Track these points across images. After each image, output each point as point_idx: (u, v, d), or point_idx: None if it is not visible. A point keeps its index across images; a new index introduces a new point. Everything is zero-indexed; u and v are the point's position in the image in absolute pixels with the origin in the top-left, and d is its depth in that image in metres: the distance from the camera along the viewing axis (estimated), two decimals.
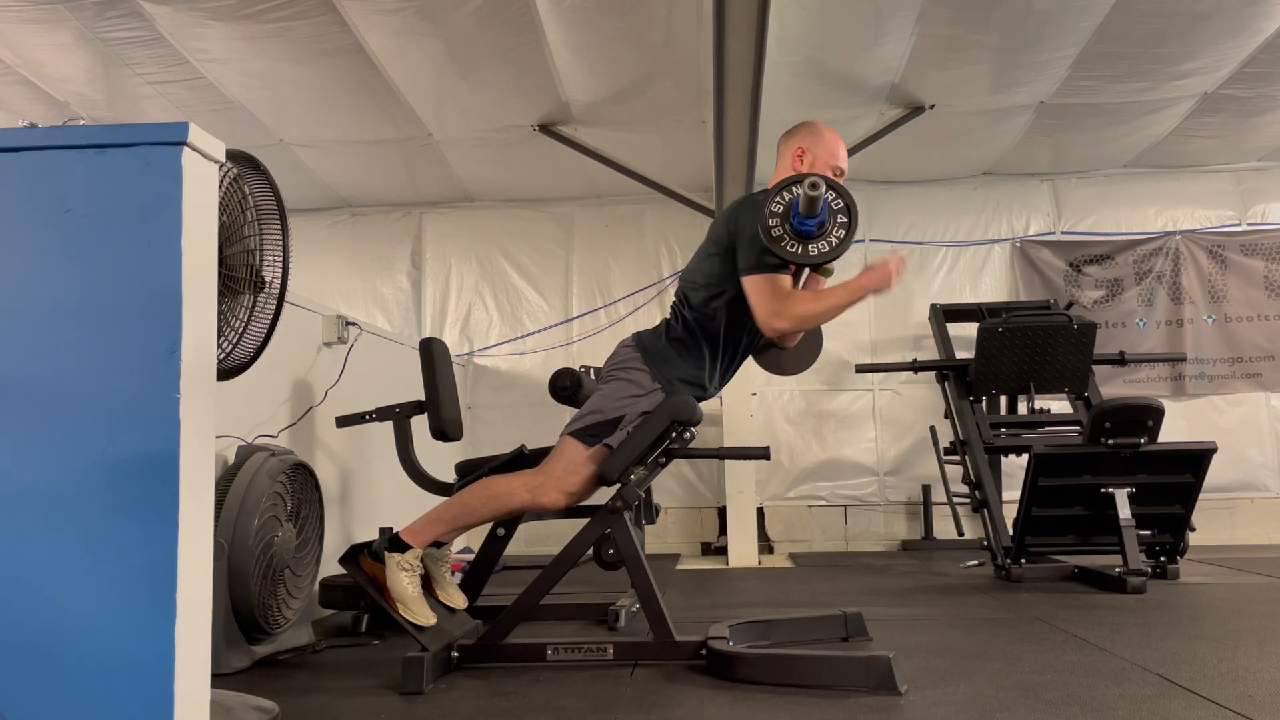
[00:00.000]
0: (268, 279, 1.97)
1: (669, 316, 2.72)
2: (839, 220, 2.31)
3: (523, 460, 3.17)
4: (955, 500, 4.67)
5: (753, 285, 2.50)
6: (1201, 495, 4.01)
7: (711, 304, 2.61)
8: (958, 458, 4.79)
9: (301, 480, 2.87)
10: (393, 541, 2.53)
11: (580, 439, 2.57)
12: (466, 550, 5.09)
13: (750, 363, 2.91)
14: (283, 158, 5.50)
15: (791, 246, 2.31)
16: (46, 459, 1.43)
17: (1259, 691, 2.10)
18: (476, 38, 4.23)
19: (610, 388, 2.62)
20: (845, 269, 6.52)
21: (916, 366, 5.39)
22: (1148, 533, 4.08)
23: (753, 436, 5.44)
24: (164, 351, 1.44)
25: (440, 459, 4.18)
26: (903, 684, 2.18)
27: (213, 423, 1.54)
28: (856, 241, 6.08)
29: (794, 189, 2.32)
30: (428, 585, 2.60)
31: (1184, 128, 5.47)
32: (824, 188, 2.24)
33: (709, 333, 2.62)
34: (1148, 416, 3.83)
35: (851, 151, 5.38)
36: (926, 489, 5.85)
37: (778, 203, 2.33)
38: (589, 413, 2.60)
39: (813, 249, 2.31)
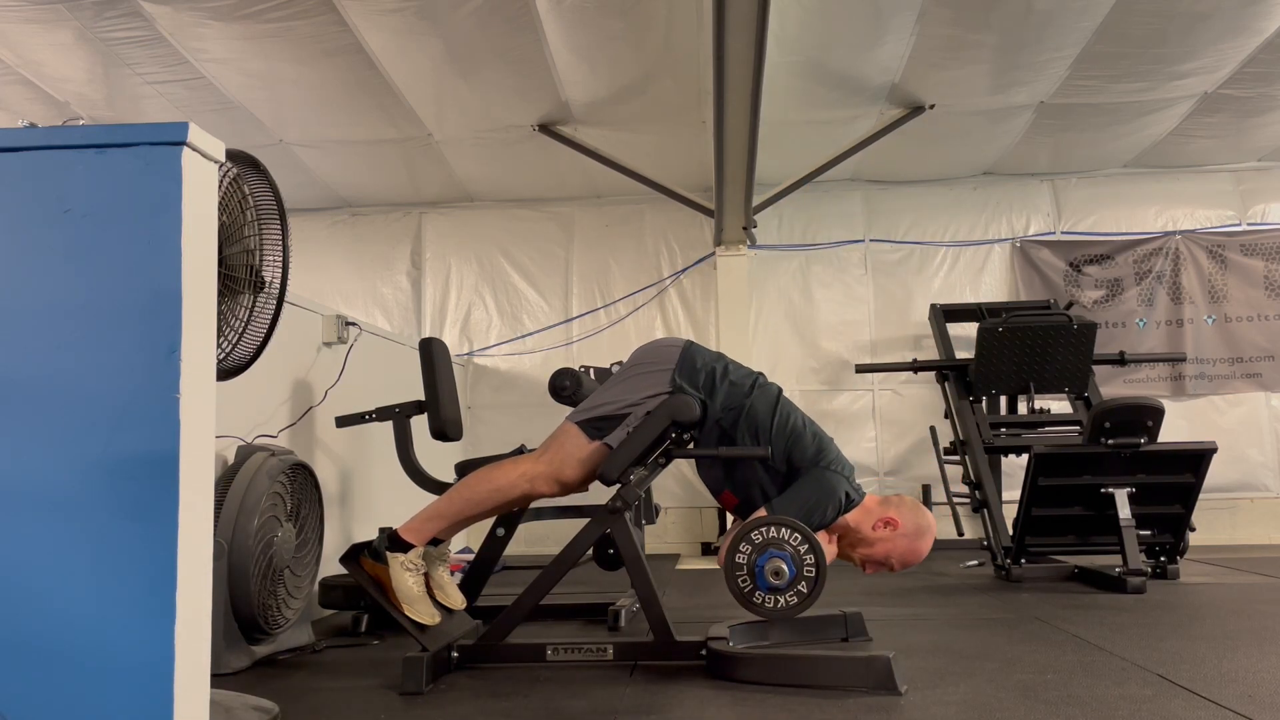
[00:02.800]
0: (268, 279, 1.97)
1: (731, 369, 2.65)
2: (806, 577, 2.32)
3: None
4: (955, 500, 4.67)
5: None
6: (1201, 495, 4.01)
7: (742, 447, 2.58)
8: (958, 458, 4.79)
9: (301, 480, 2.87)
10: (393, 540, 2.53)
11: (584, 430, 2.57)
12: (466, 550, 5.09)
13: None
14: (283, 158, 5.50)
15: (758, 599, 2.34)
16: (46, 459, 1.43)
17: (1259, 691, 2.10)
18: (476, 38, 4.23)
19: (626, 383, 2.60)
20: (846, 269, 6.52)
21: (916, 366, 5.39)
22: (1148, 533, 4.08)
23: None
24: (164, 351, 1.44)
25: (440, 459, 4.18)
26: (903, 684, 2.18)
27: (213, 423, 1.54)
28: (857, 241, 6.20)
29: (759, 535, 2.33)
30: (425, 586, 2.60)
31: (1184, 128, 5.47)
32: (787, 575, 2.28)
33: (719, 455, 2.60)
34: (1148, 416, 3.83)
35: (851, 151, 5.41)
36: (926, 489, 5.85)
37: (743, 551, 2.33)
38: (598, 404, 2.59)
39: (781, 600, 2.33)
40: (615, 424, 2.54)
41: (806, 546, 2.31)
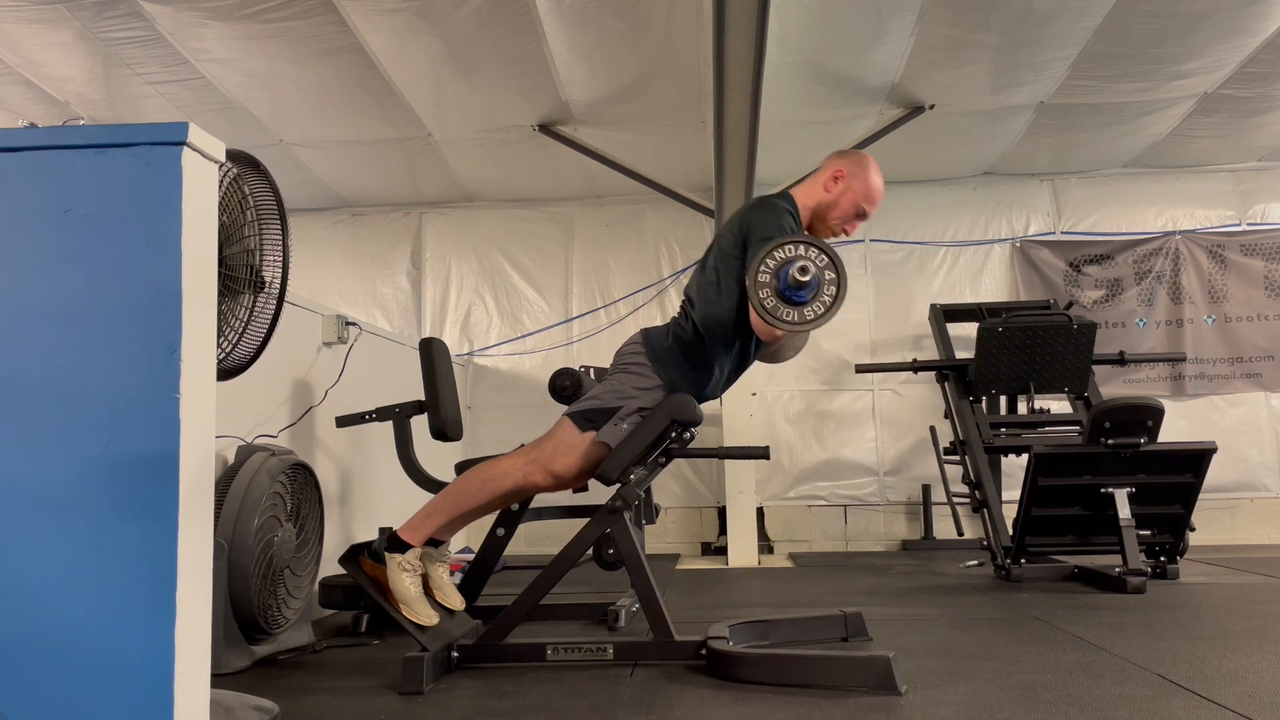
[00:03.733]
0: (268, 279, 1.97)
1: (677, 317, 2.70)
2: (828, 282, 2.30)
3: None
4: (955, 500, 4.67)
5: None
6: (1201, 495, 4.01)
7: (720, 306, 2.59)
8: (958, 458, 4.79)
9: (301, 480, 2.87)
10: (392, 541, 2.53)
11: (575, 421, 2.58)
12: (466, 550, 5.09)
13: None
14: (283, 158, 5.50)
15: (786, 315, 2.31)
16: (46, 459, 1.43)
17: (1259, 691, 2.10)
18: (476, 38, 4.23)
19: (615, 379, 2.63)
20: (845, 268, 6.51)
21: (916, 366, 5.39)
22: (1147, 533, 4.08)
23: (753, 436, 5.44)
24: (164, 351, 1.44)
25: (440, 459, 4.18)
26: (903, 684, 2.18)
27: (213, 423, 1.54)
28: (857, 241, 6.20)
29: (779, 254, 2.31)
30: (425, 586, 2.60)
31: (1184, 128, 5.47)
32: (812, 271, 2.25)
33: (714, 338, 2.60)
34: (1148, 416, 3.83)
35: None
36: (926, 489, 5.85)
37: (764, 270, 2.32)
38: (590, 399, 2.62)
39: (808, 312, 2.31)
40: (606, 417, 2.56)
41: (817, 251, 2.27)
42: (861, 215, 2.71)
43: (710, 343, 2.60)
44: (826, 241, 2.37)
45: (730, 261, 2.60)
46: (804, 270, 2.24)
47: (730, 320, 2.59)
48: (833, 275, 2.28)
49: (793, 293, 2.28)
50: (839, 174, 2.69)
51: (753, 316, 2.45)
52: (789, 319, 2.30)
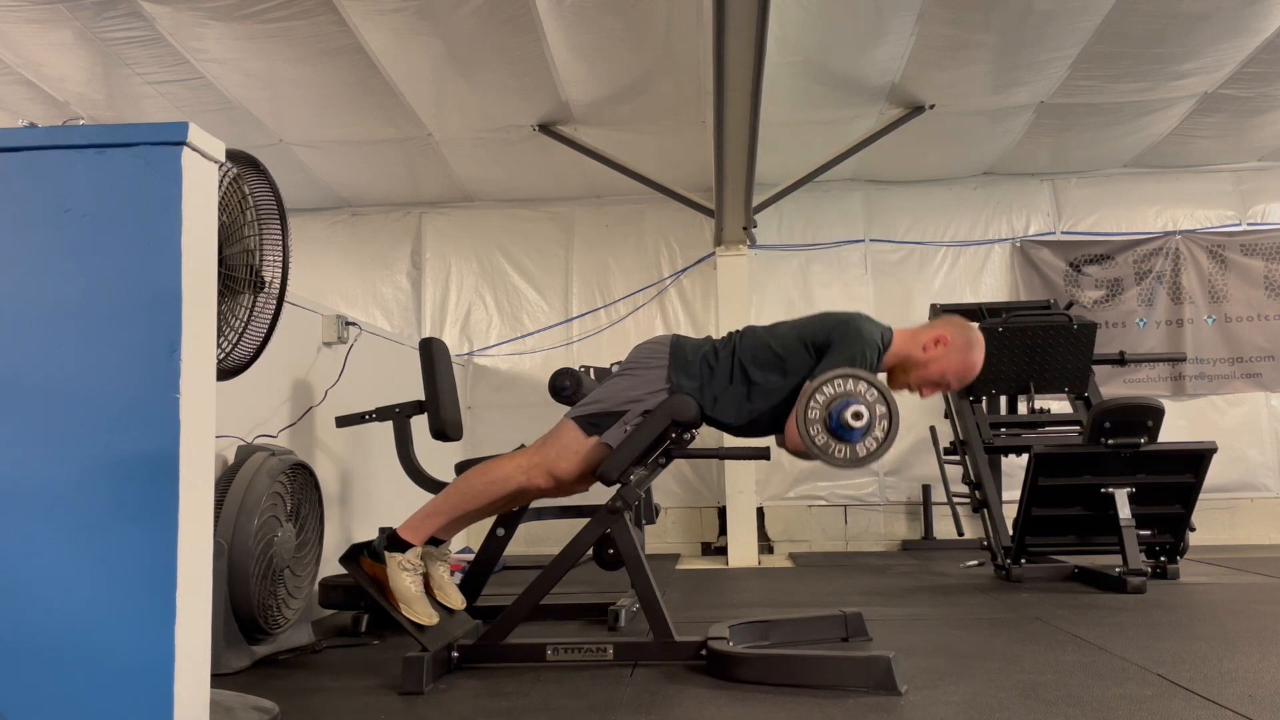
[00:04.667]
0: (268, 279, 1.97)
1: (718, 344, 2.64)
2: (879, 418, 2.27)
3: None
4: (955, 500, 4.67)
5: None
6: (1201, 495, 4.01)
7: (768, 383, 2.54)
8: (958, 458, 4.79)
9: (301, 480, 2.87)
10: (392, 540, 2.53)
11: (580, 425, 2.57)
12: (466, 550, 5.09)
13: None
14: (282, 158, 5.50)
15: (839, 453, 2.30)
16: (46, 459, 1.43)
17: (1259, 691, 2.10)
18: (476, 38, 4.23)
19: (622, 381, 2.61)
20: (846, 269, 6.52)
21: None
22: (1148, 533, 4.08)
23: None
24: (164, 351, 1.44)
25: (440, 459, 4.18)
26: (903, 684, 2.18)
27: (213, 423, 1.54)
28: (857, 241, 6.19)
29: (828, 388, 2.29)
30: (425, 586, 2.59)
31: (1184, 128, 5.47)
32: (865, 418, 2.24)
33: (750, 398, 2.55)
34: (1148, 416, 3.83)
35: (851, 151, 5.41)
36: (926, 489, 5.85)
37: (814, 405, 2.29)
38: (594, 400, 2.60)
39: (860, 449, 2.30)
40: (612, 420, 2.55)
41: (875, 392, 2.26)
42: (945, 386, 2.62)
43: (744, 394, 2.56)
44: (888, 389, 2.32)
45: (799, 355, 2.53)
46: (858, 415, 2.24)
47: (767, 402, 2.55)
48: (885, 425, 2.27)
49: (840, 429, 2.27)
50: (942, 339, 2.58)
51: (790, 424, 2.42)
52: (827, 448, 2.30)
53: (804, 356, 2.53)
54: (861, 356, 2.45)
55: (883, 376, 2.59)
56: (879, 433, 2.27)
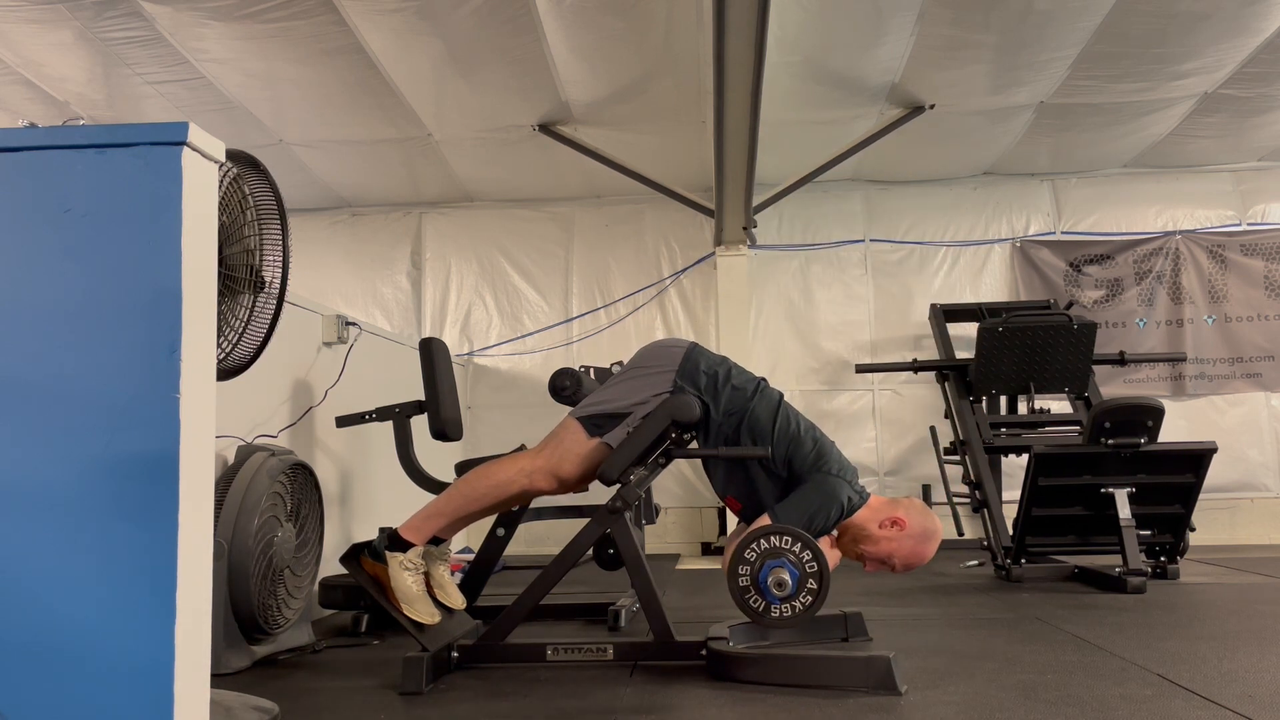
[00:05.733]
0: (268, 279, 1.97)
1: (735, 378, 2.62)
2: (809, 586, 2.30)
3: None
4: (955, 500, 4.67)
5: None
6: (1201, 495, 4.01)
7: (766, 463, 2.56)
8: (958, 458, 4.79)
9: (301, 480, 2.87)
10: (392, 540, 2.53)
11: (584, 426, 2.56)
12: (466, 550, 5.09)
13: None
14: (282, 158, 5.50)
15: (754, 602, 2.33)
16: (46, 459, 1.43)
17: (1259, 691, 2.10)
18: (476, 38, 4.23)
19: (631, 383, 2.60)
20: (846, 269, 6.52)
21: (916, 366, 5.39)
22: (1148, 533, 4.08)
23: None
24: (164, 351, 1.44)
25: (440, 459, 4.18)
26: (903, 684, 2.18)
27: (213, 423, 1.54)
28: (857, 241, 6.19)
29: (775, 542, 2.31)
30: (426, 585, 2.59)
31: (1184, 128, 5.47)
32: (789, 587, 2.27)
33: (742, 438, 2.58)
34: (1148, 416, 3.83)
35: (851, 151, 5.41)
36: (926, 489, 5.85)
37: (752, 550, 2.32)
38: (600, 401, 2.59)
39: (774, 610, 2.32)
40: (616, 422, 2.54)
41: (809, 555, 2.30)
42: (889, 568, 2.62)
43: (732, 433, 2.57)
44: (814, 544, 2.33)
45: (778, 471, 2.56)
46: (780, 585, 2.28)
47: (752, 475, 2.57)
48: (806, 600, 2.29)
49: (764, 584, 2.30)
50: (900, 523, 2.56)
51: (728, 548, 2.44)
52: (746, 593, 2.33)
53: (779, 474, 2.55)
54: (823, 514, 2.48)
55: (835, 533, 2.60)
56: (797, 604, 2.30)
